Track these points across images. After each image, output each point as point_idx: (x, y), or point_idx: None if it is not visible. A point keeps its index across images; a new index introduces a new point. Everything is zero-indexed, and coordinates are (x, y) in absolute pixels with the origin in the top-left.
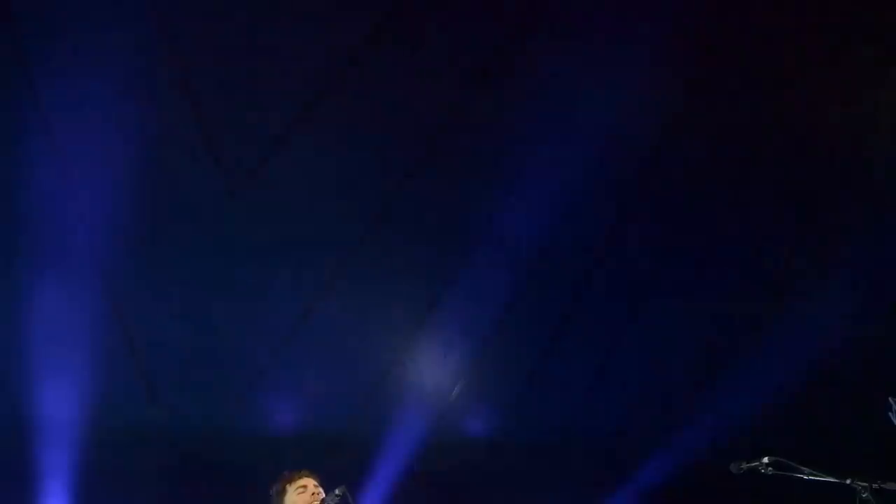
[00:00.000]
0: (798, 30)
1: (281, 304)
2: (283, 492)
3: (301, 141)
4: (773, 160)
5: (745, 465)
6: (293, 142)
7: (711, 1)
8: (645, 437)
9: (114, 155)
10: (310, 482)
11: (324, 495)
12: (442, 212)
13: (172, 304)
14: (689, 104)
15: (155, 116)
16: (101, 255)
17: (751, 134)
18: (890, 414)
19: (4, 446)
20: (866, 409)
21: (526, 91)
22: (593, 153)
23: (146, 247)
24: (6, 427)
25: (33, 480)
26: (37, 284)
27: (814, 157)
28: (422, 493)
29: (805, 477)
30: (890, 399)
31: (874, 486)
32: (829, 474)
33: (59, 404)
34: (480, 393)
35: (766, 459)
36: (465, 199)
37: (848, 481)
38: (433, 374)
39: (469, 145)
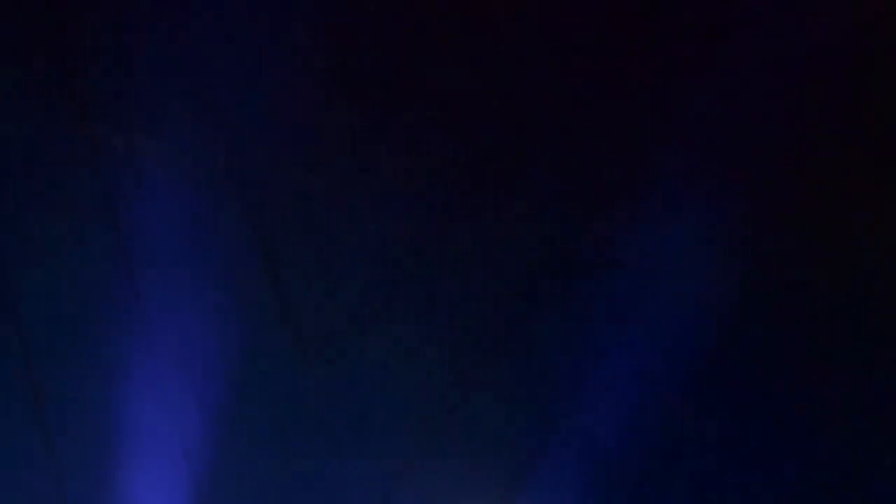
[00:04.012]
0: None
1: (356, 493)
2: None
3: (381, 317)
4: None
5: None
6: (372, 318)
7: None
8: None
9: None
10: None
11: None
12: (519, 395)
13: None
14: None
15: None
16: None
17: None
18: None
19: None
20: None
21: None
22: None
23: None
24: None
25: None
26: (115, 466)
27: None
28: None
29: None
30: None
31: None
32: None
33: None
34: None
35: None
36: (542, 384)
37: None
38: None
39: (543, 329)
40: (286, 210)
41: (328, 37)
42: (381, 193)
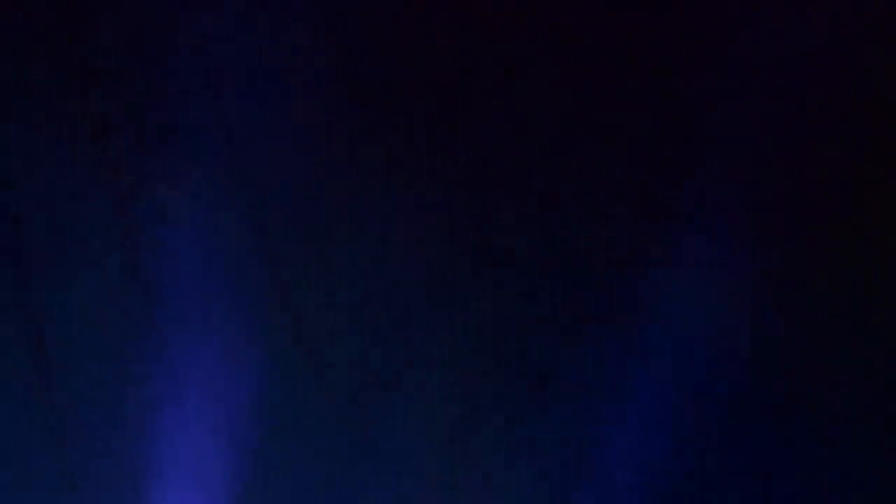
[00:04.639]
0: None
1: None
2: None
3: (381, 318)
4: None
5: None
6: (372, 319)
7: None
8: None
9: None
10: None
11: None
12: (553, 452)
13: None
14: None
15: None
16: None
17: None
18: None
19: None
20: None
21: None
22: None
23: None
24: None
25: None
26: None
27: None
28: None
29: None
30: None
31: None
32: None
33: None
34: None
35: None
36: (573, 438)
37: None
38: None
39: (548, 333)
40: (289, 214)
41: (328, 37)
42: (383, 195)
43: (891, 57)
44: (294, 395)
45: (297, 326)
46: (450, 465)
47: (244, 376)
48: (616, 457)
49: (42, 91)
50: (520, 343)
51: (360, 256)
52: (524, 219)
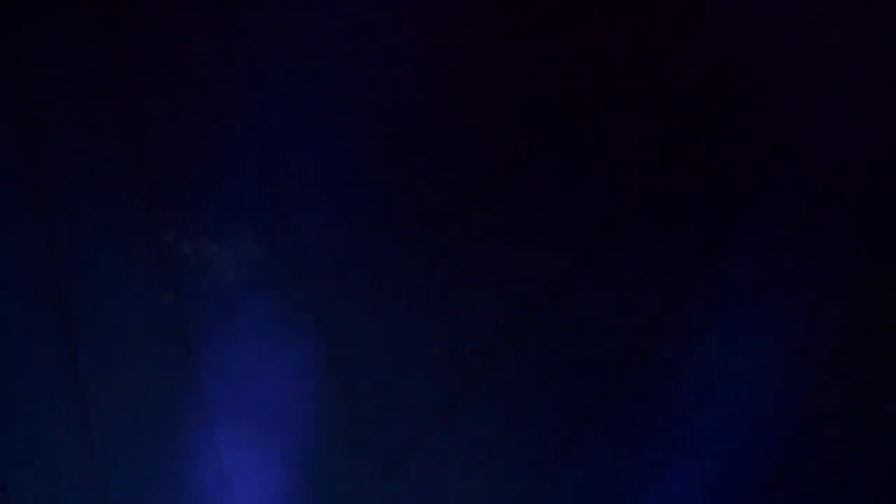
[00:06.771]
0: None
1: None
2: None
3: (451, 427)
4: None
5: None
6: (442, 429)
7: None
8: None
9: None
10: None
11: None
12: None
13: None
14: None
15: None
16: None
17: None
18: None
19: None
20: None
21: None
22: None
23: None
24: None
25: None
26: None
27: None
28: None
29: None
30: None
31: None
32: None
33: None
34: None
35: None
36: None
37: None
38: None
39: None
40: (331, 268)
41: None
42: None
43: None
44: (336, 451)
45: (341, 381)
46: None
47: (285, 429)
48: None
49: (96, 153)
50: (551, 409)
51: (401, 318)
52: (566, 286)
